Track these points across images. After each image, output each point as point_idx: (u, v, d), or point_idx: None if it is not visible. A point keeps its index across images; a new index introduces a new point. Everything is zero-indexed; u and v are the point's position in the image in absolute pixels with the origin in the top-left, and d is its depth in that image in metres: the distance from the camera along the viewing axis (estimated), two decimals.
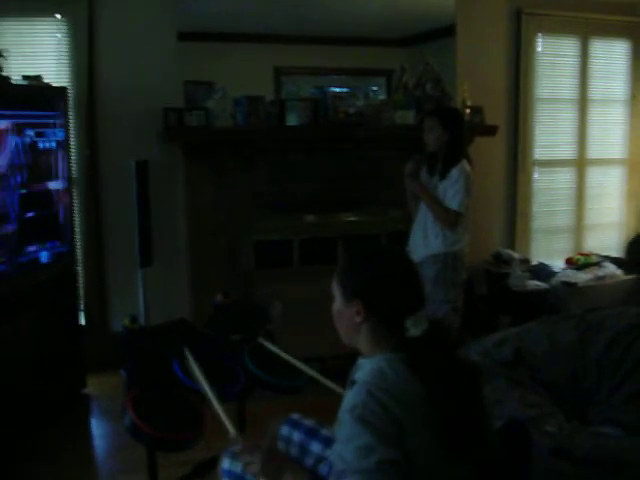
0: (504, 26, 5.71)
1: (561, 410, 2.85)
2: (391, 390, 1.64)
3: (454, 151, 3.89)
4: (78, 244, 4.55)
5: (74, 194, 4.48)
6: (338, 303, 1.82)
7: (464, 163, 3.89)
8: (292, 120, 4.82)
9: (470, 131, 4.68)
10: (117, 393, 3.82)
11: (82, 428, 4.04)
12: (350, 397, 1.68)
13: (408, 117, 5.09)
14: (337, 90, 5.17)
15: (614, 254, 6.20)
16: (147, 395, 2.58)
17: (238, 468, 2.11)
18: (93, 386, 4.43)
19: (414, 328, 1.71)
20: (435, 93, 5.30)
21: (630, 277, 5.74)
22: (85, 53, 4.57)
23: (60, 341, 4.14)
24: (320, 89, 5.12)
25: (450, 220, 3.87)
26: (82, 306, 4.63)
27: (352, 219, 5.15)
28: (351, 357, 1.89)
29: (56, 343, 4.10)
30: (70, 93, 4.41)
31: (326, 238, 5.03)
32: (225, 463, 2.16)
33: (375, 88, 5.50)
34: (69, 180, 4.26)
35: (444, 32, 5.41)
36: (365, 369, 1.76)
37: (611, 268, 5.79)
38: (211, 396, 2.06)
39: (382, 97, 5.42)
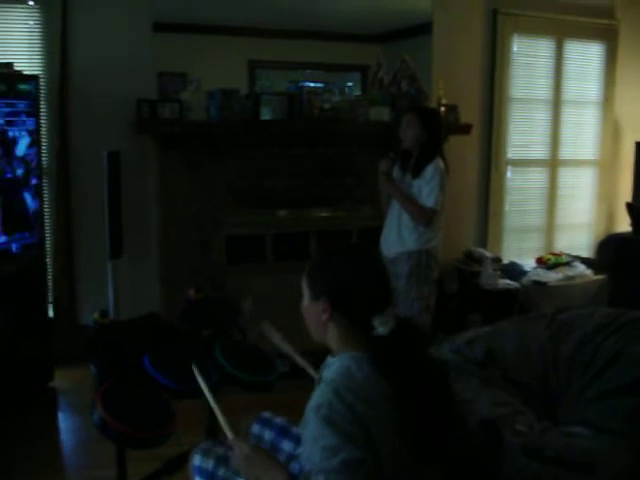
0: (480, 25, 5.74)
1: (532, 409, 2.86)
2: (357, 390, 1.64)
3: (429, 150, 3.89)
4: (48, 235, 4.48)
5: (44, 184, 4.41)
6: (306, 300, 1.83)
7: (438, 161, 3.90)
8: (266, 114, 4.79)
9: (445, 129, 4.69)
10: (85, 387, 3.78)
11: (49, 422, 3.99)
12: (316, 395, 1.68)
13: (383, 113, 5.08)
14: (312, 85, 5.15)
15: (584, 254, 6.27)
16: (117, 391, 2.54)
17: (209, 465, 2.10)
18: (60, 379, 4.37)
19: (381, 327, 1.71)
20: (410, 90, 5.30)
21: (599, 277, 5.80)
22: (58, 41, 4.50)
23: (28, 333, 4.08)
24: (295, 84, 5.09)
25: (426, 218, 3.87)
26: (51, 298, 4.56)
27: (325, 215, 5.14)
28: (323, 353, 1.88)
29: (24, 335, 4.04)
30: (42, 82, 4.34)
31: (299, 233, 5.02)
32: (196, 460, 2.14)
33: (350, 84, 5.49)
34: (39, 170, 4.20)
35: (421, 29, 5.41)
36: (333, 368, 1.75)
37: (581, 268, 5.86)
38: (215, 406, 2.07)
39: (357, 93, 5.42)
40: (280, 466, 1.79)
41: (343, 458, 1.54)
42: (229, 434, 1.93)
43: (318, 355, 1.99)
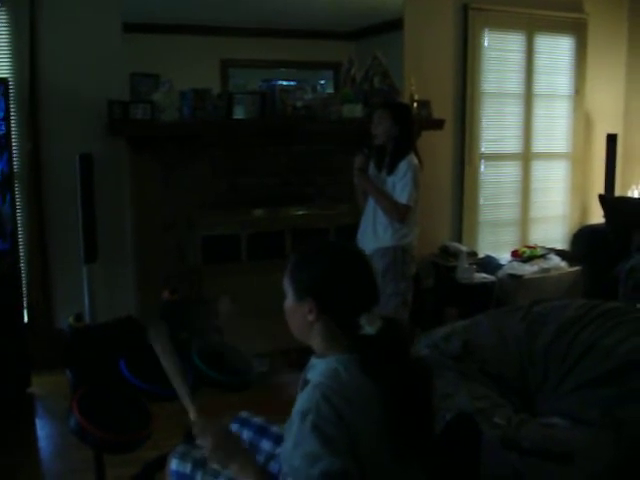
0: (451, 21, 5.76)
1: (510, 402, 2.88)
2: (345, 393, 1.63)
3: (402, 145, 3.90)
4: (21, 240, 4.44)
5: (16, 189, 4.36)
6: (290, 301, 1.79)
7: (412, 157, 3.90)
8: (240, 113, 4.78)
9: (417, 125, 4.70)
10: (62, 392, 3.74)
11: (27, 428, 3.95)
12: (304, 399, 1.66)
13: (356, 110, 5.09)
14: (285, 83, 5.15)
15: (559, 246, 6.32)
16: (93, 395, 2.52)
17: (187, 469, 2.08)
18: (38, 385, 4.32)
19: (368, 326, 1.69)
20: (383, 87, 5.31)
21: (574, 269, 5.85)
22: (27, 44, 4.44)
23: (4, 340, 4.04)
24: (268, 82, 5.08)
25: (399, 214, 3.88)
26: (26, 303, 4.51)
27: (300, 213, 5.13)
28: (301, 352, 1.87)
29: None
30: (11, 85, 4.29)
31: (274, 232, 5.00)
32: (173, 464, 2.13)
33: (323, 81, 5.49)
34: (11, 175, 4.15)
35: (392, 26, 5.43)
36: (319, 369, 1.74)
37: (556, 260, 5.90)
38: (175, 375, 1.99)
39: (330, 90, 5.42)
40: (247, 456, 1.76)
41: (322, 468, 1.53)
42: (191, 414, 1.90)
43: (296, 353, 1.99)
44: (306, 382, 1.76)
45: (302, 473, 1.55)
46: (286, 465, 1.61)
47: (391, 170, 3.91)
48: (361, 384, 1.67)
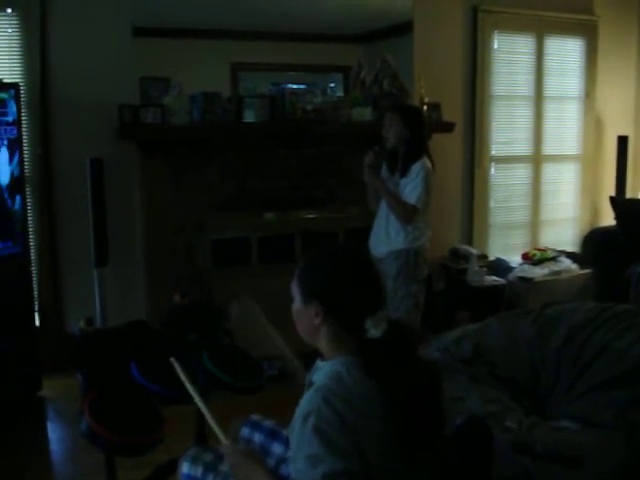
0: (460, 23, 5.75)
1: (521, 405, 2.88)
2: (347, 396, 1.63)
3: (414, 148, 3.89)
4: (32, 244, 4.45)
5: (27, 193, 4.37)
6: (297, 304, 1.81)
7: (425, 160, 3.89)
8: (250, 117, 4.78)
9: (428, 128, 4.69)
10: (73, 395, 3.74)
11: (38, 431, 3.96)
12: (305, 402, 1.67)
13: (365, 114, 5.09)
14: (295, 87, 5.16)
15: (569, 249, 6.29)
16: (104, 399, 2.52)
17: (198, 472, 2.09)
18: (49, 388, 4.33)
19: (374, 329, 1.69)
20: (392, 90, 5.31)
21: (585, 272, 5.82)
22: (37, 49, 4.46)
23: (15, 343, 4.05)
24: (277, 86, 5.09)
25: (407, 215, 3.86)
26: (37, 307, 4.53)
27: (310, 216, 5.13)
28: (310, 355, 1.87)
29: (11, 345, 4.01)
30: (22, 90, 4.30)
31: (284, 235, 5.00)
32: (185, 467, 2.13)
33: (332, 85, 5.49)
34: (22, 179, 4.17)
35: (401, 29, 5.42)
36: (323, 372, 1.74)
37: (566, 263, 5.88)
38: (203, 407, 2.03)
39: (339, 94, 5.42)
40: (266, 472, 1.77)
41: (325, 470, 1.53)
42: (221, 437, 1.91)
43: (306, 357, 1.99)
44: (311, 384, 1.76)
45: (305, 475, 1.56)
46: (292, 469, 1.61)
47: (404, 173, 3.90)
48: (364, 387, 1.67)
